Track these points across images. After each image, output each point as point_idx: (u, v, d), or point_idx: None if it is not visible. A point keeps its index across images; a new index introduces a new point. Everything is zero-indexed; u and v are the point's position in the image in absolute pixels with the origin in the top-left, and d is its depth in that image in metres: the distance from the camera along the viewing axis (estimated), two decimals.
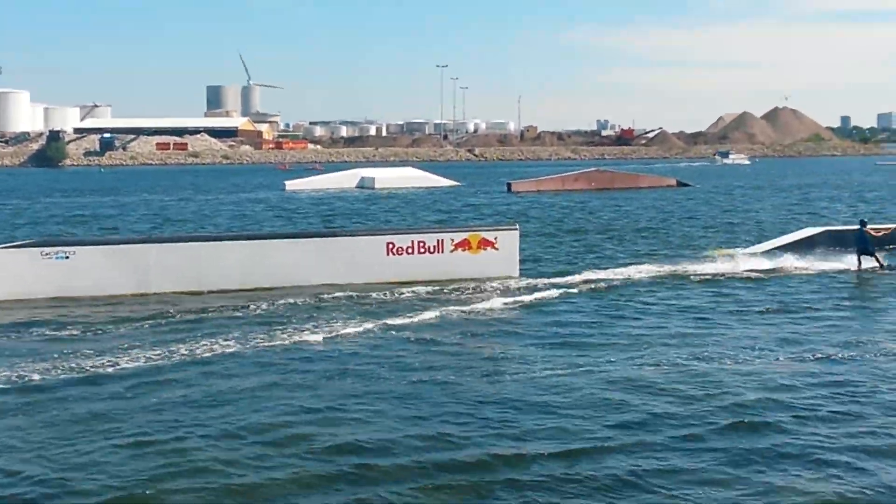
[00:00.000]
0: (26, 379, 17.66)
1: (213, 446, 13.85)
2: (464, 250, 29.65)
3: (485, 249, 29.79)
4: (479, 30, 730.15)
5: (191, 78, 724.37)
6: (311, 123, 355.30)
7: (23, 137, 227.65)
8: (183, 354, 19.57)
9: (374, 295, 26.69)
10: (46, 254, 26.90)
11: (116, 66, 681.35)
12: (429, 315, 23.75)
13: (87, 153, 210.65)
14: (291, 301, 25.82)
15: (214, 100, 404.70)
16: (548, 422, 14.92)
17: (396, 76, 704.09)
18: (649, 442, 13.98)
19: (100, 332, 22.22)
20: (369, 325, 22.42)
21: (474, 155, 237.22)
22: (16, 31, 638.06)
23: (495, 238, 29.96)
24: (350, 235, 31.06)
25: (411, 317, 23.46)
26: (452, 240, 29.70)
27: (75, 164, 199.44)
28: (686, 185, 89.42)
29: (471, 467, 12.99)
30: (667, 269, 31.26)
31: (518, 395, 16.45)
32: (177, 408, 15.83)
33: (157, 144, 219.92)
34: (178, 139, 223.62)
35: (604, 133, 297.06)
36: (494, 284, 28.39)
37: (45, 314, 24.37)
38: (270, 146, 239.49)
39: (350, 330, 21.93)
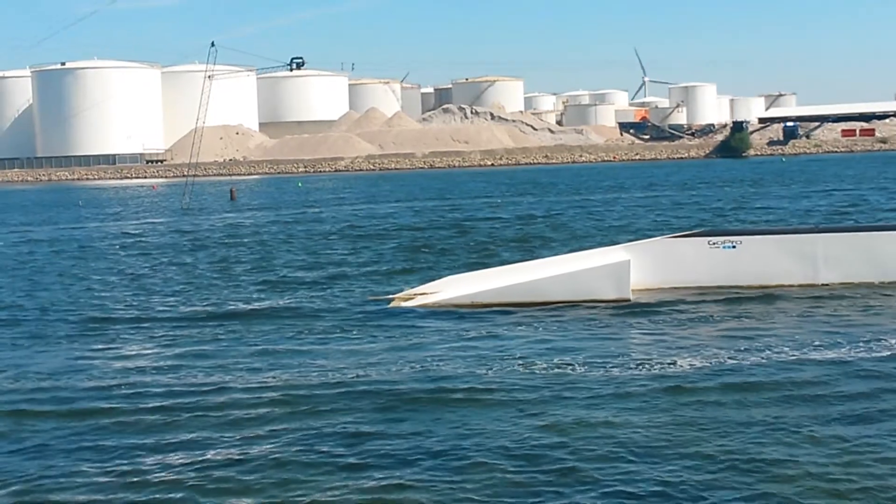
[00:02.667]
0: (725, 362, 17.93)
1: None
2: None
3: None
4: None
5: (879, 61, 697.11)
6: None
7: (708, 129, 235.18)
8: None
9: None
10: (713, 243, 27.11)
11: (802, 54, 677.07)
12: None
13: (770, 142, 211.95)
14: None
15: None
16: None
17: None
18: None
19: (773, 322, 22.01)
20: None
21: None
22: (708, 26, 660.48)
23: None
24: None
25: None
26: None
27: (758, 153, 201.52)
28: None
29: None
30: None
31: None
32: None
33: (842, 131, 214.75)
34: (864, 125, 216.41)
35: None
36: None
37: (715, 300, 24.69)
38: None
39: None
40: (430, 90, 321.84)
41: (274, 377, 18.06)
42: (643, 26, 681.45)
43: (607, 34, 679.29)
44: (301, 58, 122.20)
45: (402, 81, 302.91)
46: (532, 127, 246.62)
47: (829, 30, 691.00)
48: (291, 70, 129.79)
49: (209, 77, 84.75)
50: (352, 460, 13.27)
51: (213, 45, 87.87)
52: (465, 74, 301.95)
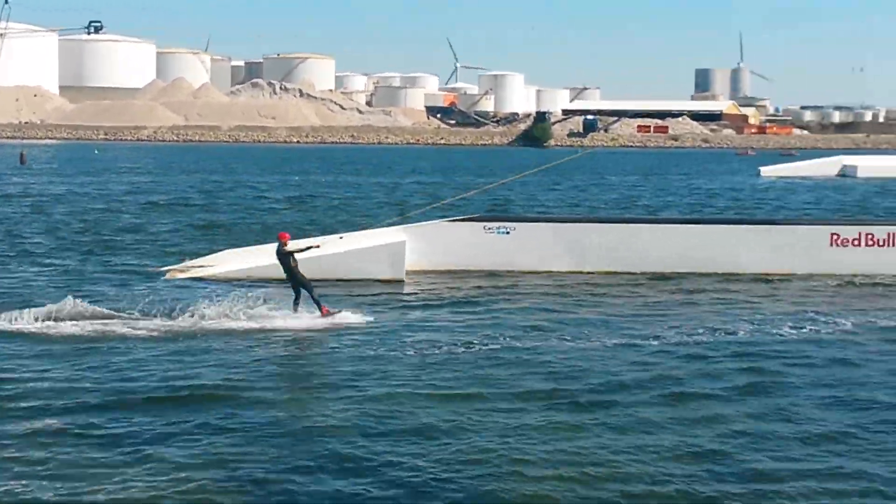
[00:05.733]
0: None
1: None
2: None
3: None
4: None
5: (680, 61, 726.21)
6: (801, 108, 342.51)
7: (512, 118, 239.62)
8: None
9: (815, 284, 25.92)
10: (489, 228, 28.01)
11: (608, 49, 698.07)
12: (878, 309, 22.52)
13: (571, 134, 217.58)
14: (735, 288, 25.30)
15: (703, 83, 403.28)
16: None
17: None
18: None
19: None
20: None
21: None
22: (522, 16, 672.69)
23: None
24: (791, 223, 29.75)
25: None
26: None
27: (559, 144, 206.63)
28: None
29: None
30: None
31: None
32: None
33: (638, 127, 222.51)
34: (659, 122, 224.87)
35: None
36: None
37: (485, 285, 25.50)
38: (753, 131, 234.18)
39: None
40: (241, 63, 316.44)
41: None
42: (458, 12, 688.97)
43: (421, 17, 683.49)
44: (100, 21, 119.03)
45: (206, 50, 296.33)
46: (340, 106, 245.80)
47: (636, 28, 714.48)
48: (89, 34, 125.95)
49: (1, 35, 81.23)
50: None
51: (6, 1, 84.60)
52: (277, 49, 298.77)
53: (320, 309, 20.23)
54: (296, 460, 12.30)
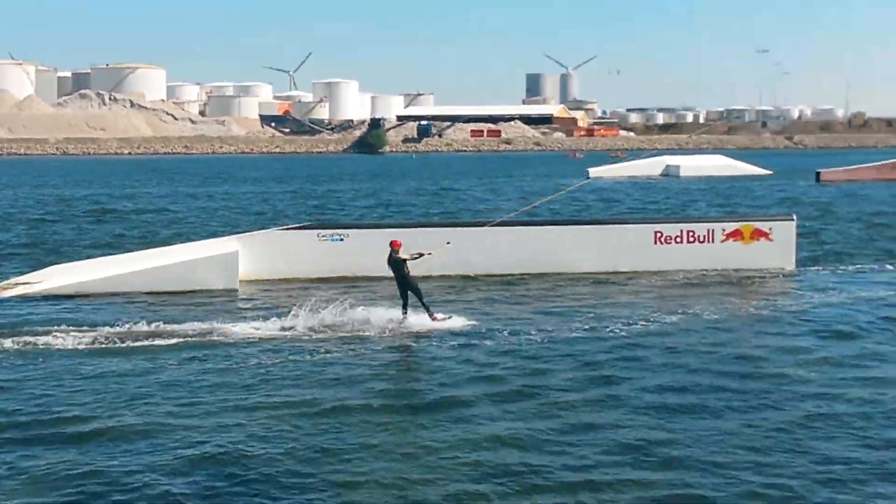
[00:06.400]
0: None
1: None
2: (735, 241, 28.72)
3: (758, 240, 28.74)
4: (800, 10, 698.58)
5: (512, 66, 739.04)
6: (627, 110, 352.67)
7: (347, 125, 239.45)
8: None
9: (643, 281, 26.81)
10: (322, 236, 28.16)
11: (440, 55, 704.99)
12: (702, 304, 23.46)
13: (406, 140, 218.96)
14: (565, 291, 25.94)
15: (533, 88, 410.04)
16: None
17: (716, 62, 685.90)
18: None
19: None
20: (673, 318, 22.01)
21: (792, 143, 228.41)
22: (345, 24, 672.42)
23: (770, 229, 28.84)
24: (617, 223, 30.80)
25: (685, 308, 23.06)
26: (723, 230, 28.86)
27: (394, 150, 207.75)
28: None
29: None
30: None
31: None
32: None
33: (472, 131, 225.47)
34: (492, 126, 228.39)
35: None
36: (766, 277, 27.43)
37: (318, 292, 25.43)
38: (582, 133, 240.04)
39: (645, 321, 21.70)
40: (68, 74, 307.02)
41: None
42: (288, 18, 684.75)
43: (252, 25, 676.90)
44: None
45: (10, 58, 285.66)
46: (173, 116, 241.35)
47: (468, 34, 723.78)
48: None
49: None
50: None
51: None
52: (105, 60, 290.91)
53: (429, 314, 21.12)
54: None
